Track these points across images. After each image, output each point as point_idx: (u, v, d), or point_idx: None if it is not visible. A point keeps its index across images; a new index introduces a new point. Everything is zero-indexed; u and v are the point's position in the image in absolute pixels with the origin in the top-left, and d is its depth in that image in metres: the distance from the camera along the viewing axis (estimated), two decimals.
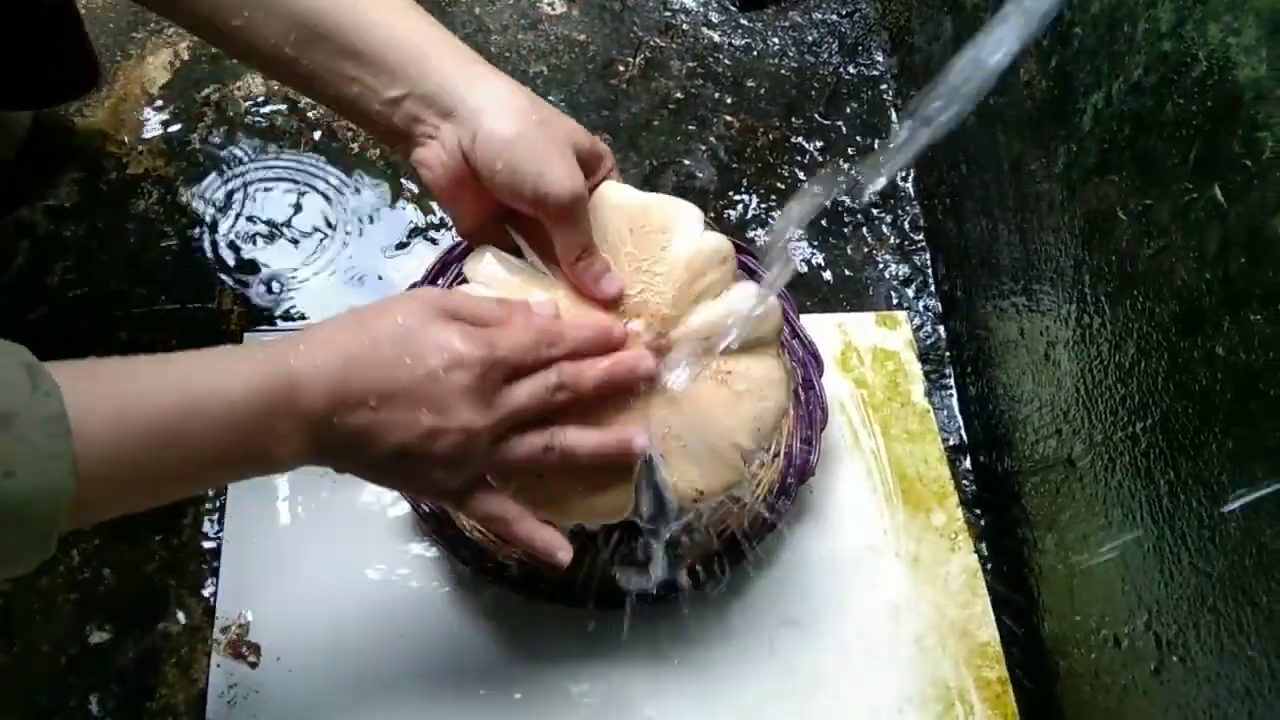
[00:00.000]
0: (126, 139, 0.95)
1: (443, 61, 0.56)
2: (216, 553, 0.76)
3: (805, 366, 0.78)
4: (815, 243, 0.95)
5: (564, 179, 0.55)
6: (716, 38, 1.07)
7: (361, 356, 0.50)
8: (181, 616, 0.75)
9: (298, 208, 0.93)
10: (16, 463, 0.38)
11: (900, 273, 0.95)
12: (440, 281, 0.79)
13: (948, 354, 0.91)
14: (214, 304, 0.87)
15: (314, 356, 0.50)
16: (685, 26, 1.07)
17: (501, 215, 0.61)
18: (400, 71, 0.56)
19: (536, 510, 0.58)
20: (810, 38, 1.08)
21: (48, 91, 0.89)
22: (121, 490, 0.45)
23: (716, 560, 0.73)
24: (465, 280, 0.63)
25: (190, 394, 0.46)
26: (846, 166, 0.65)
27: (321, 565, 0.75)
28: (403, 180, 0.94)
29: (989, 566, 0.81)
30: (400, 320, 0.52)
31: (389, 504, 0.78)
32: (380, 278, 0.89)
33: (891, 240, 0.96)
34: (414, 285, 0.77)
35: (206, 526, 0.78)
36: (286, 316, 0.87)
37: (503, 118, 0.55)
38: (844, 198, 0.92)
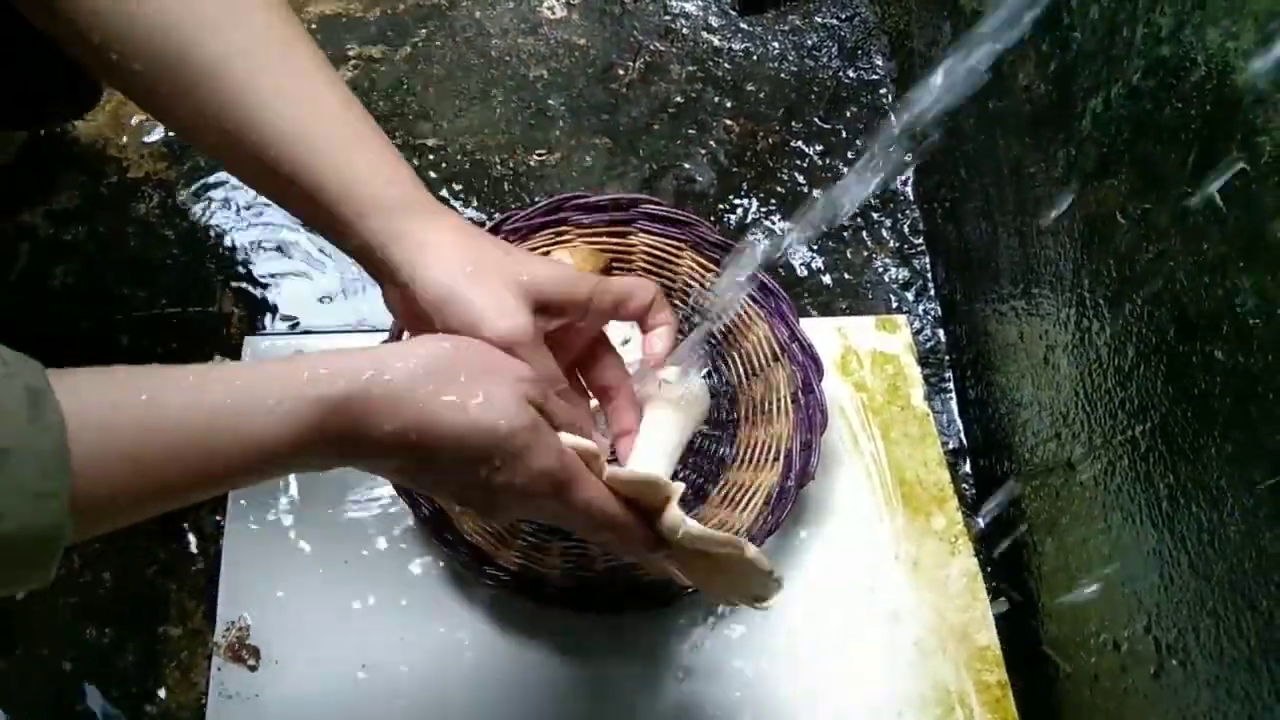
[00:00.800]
0: (127, 143, 0.95)
1: (387, 220, 0.55)
2: (216, 556, 0.76)
3: (805, 370, 0.78)
4: (815, 247, 0.95)
5: (497, 328, 0.53)
6: (716, 42, 1.07)
7: (436, 440, 0.48)
8: (181, 620, 0.75)
9: None
10: (7, 504, 0.36)
11: (900, 276, 0.95)
12: None
13: (947, 358, 0.91)
14: (215, 307, 0.87)
15: (381, 417, 0.46)
16: (685, 31, 1.07)
17: None
18: (351, 228, 0.55)
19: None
20: (810, 42, 1.08)
21: (48, 111, 0.89)
22: (126, 514, 0.43)
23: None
24: None
25: (223, 438, 0.43)
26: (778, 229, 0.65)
27: (321, 569, 0.76)
28: None
29: (988, 570, 0.81)
30: (499, 416, 0.49)
31: (388, 507, 0.78)
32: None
33: (891, 244, 0.96)
34: None
35: (206, 530, 0.78)
36: (287, 319, 0.87)
37: (431, 279, 0.54)
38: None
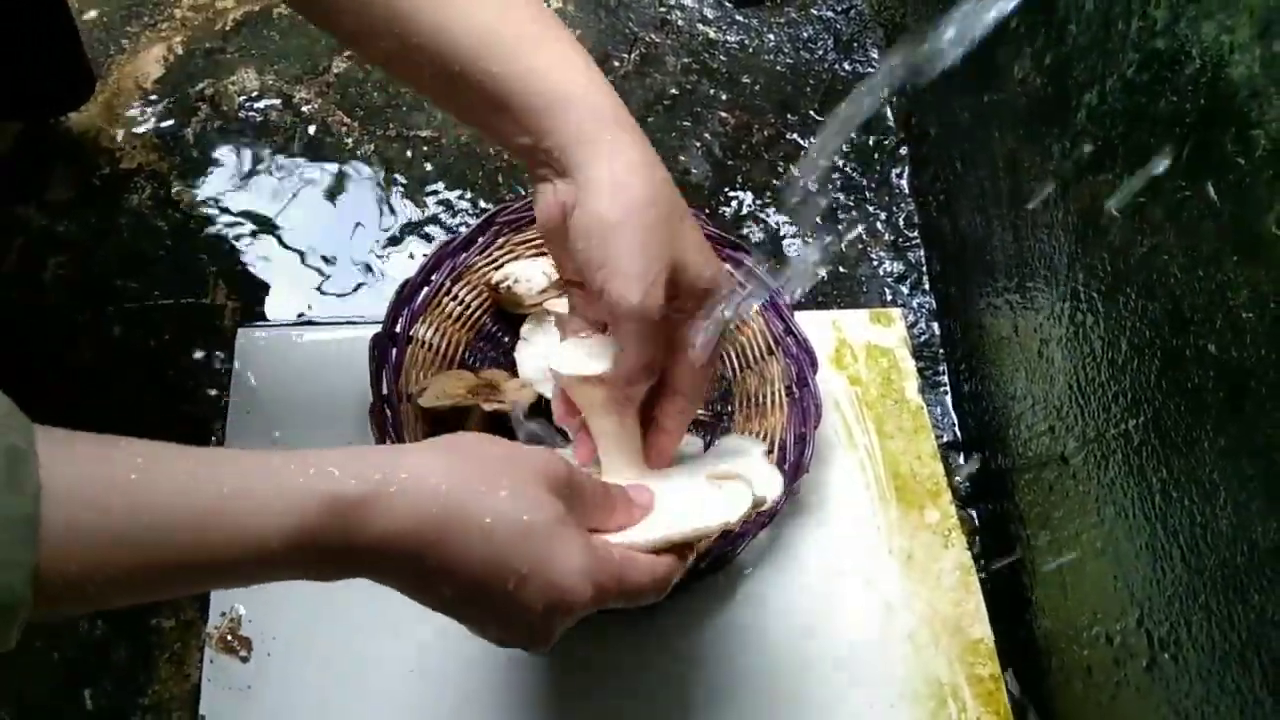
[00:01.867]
0: (120, 134, 0.95)
1: (578, 123, 0.52)
2: None
3: (799, 363, 0.78)
4: (810, 239, 0.95)
5: (630, 291, 0.50)
6: (712, 34, 1.06)
7: (452, 547, 0.44)
8: (174, 612, 0.75)
9: (291, 203, 0.92)
10: None
11: (894, 270, 0.95)
12: (435, 277, 0.79)
13: (941, 351, 0.91)
14: (208, 299, 0.87)
15: (395, 514, 0.42)
16: (680, 22, 1.07)
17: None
18: (531, 124, 0.52)
19: None
20: (805, 34, 1.07)
21: (43, 102, 0.89)
22: (98, 596, 0.39)
23: (708, 557, 0.73)
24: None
25: (214, 531, 0.40)
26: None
27: None
28: (396, 175, 0.94)
29: (982, 563, 0.81)
30: (519, 511, 0.45)
31: None
32: (374, 270, 0.89)
33: (886, 237, 0.96)
34: (406, 283, 0.77)
35: None
36: (280, 312, 0.87)
37: (607, 202, 0.51)
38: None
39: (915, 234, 0.97)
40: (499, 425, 0.76)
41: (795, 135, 1.01)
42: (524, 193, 0.93)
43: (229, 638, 0.73)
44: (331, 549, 0.41)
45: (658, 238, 0.51)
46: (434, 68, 0.53)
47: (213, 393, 0.82)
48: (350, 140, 0.96)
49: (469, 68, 0.52)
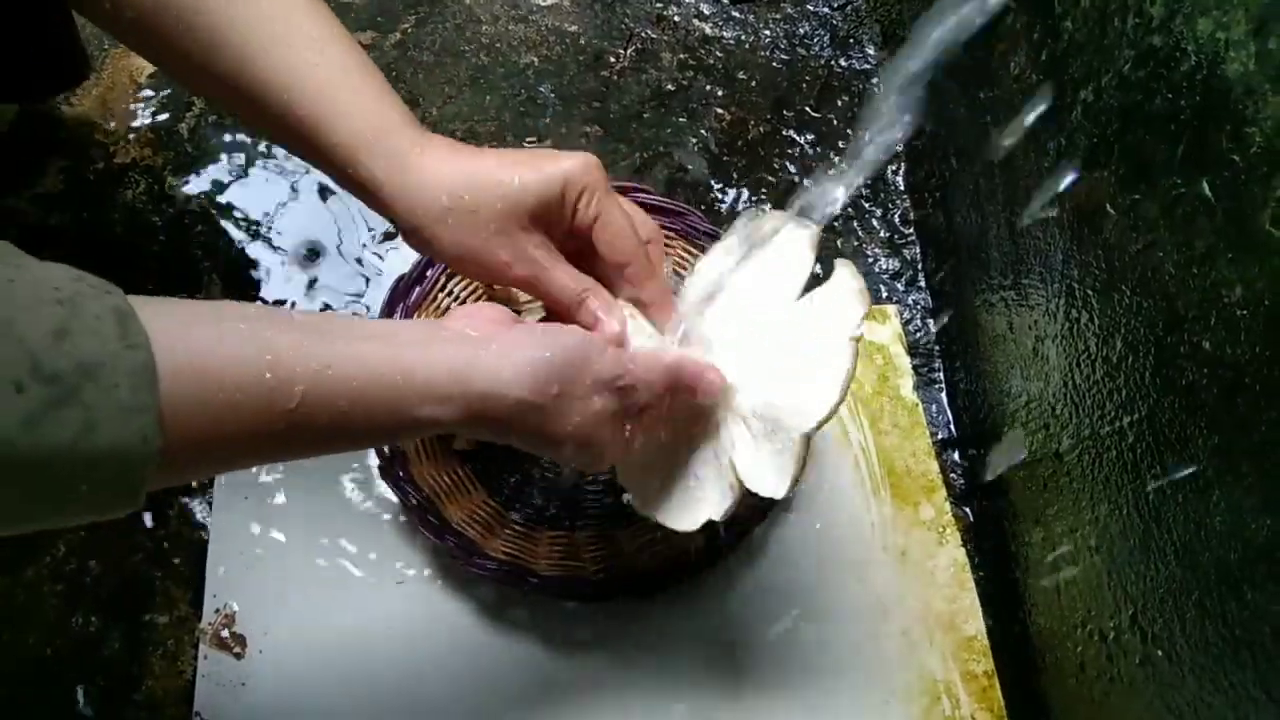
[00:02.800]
0: (114, 128, 0.95)
1: (375, 168, 0.55)
2: (203, 544, 0.76)
3: None
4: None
5: (513, 267, 0.56)
6: (708, 30, 1.06)
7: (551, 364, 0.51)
8: (168, 608, 0.74)
9: (286, 198, 0.92)
10: (100, 416, 0.37)
11: (890, 266, 0.95)
12: (429, 273, 0.78)
13: (937, 348, 0.91)
14: (201, 294, 0.87)
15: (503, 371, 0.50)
16: (677, 18, 1.07)
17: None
18: (350, 177, 0.56)
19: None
20: (802, 30, 1.07)
21: (35, 85, 0.88)
22: (214, 451, 0.44)
23: (701, 554, 0.73)
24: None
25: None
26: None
27: (308, 557, 0.75)
28: None
29: (976, 560, 0.81)
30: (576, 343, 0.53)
31: (377, 495, 0.78)
32: (369, 266, 0.89)
33: (881, 234, 0.96)
34: (401, 279, 0.77)
35: (193, 517, 0.77)
36: (275, 306, 0.87)
37: (445, 230, 0.55)
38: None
39: (911, 231, 0.97)
40: None
41: (791, 132, 1.00)
42: None
43: (223, 634, 0.72)
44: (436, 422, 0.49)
45: (490, 219, 0.55)
46: (250, 106, 0.55)
47: None
48: None
49: (278, 109, 0.54)
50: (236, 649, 0.72)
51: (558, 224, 0.57)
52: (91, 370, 0.37)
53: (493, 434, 0.52)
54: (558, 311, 0.60)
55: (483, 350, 0.50)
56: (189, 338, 0.42)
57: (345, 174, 0.55)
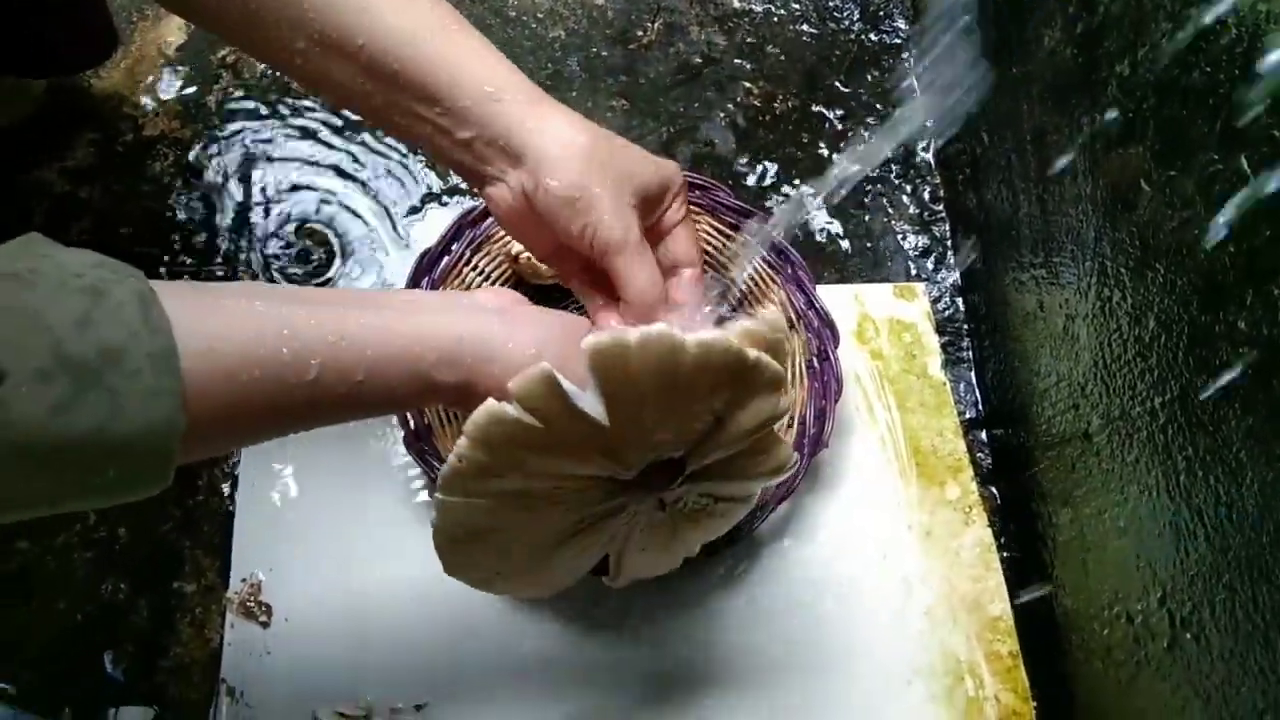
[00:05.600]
0: (142, 101, 0.95)
1: (512, 106, 0.55)
2: (230, 513, 0.77)
3: (820, 338, 0.77)
4: (834, 213, 0.94)
5: (614, 229, 0.56)
6: (736, 3, 1.05)
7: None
8: (196, 576, 0.75)
9: (312, 171, 0.92)
10: (125, 400, 0.38)
11: (919, 244, 0.94)
12: (455, 247, 0.78)
13: (965, 326, 0.90)
14: (229, 267, 0.87)
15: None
16: None
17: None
18: (470, 115, 0.55)
19: None
20: (832, 3, 1.06)
21: (66, 59, 0.89)
22: (238, 426, 0.45)
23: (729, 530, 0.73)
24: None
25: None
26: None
27: (333, 526, 0.76)
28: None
29: (1002, 540, 0.80)
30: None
31: (402, 465, 0.78)
32: (394, 238, 0.89)
33: (911, 211, 0.95)
34: (427, 251, 0.77)
35: (221, 487, 0.78)
36: (301, 280, 0.87)
37: (562, 168, 0.55)
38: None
39: (940, 208, 0.96)
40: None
41: (820, 107, 0.99)
42: None
43: (250, 603, 0.73)
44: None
45: (612, 175, 0.56)
46: (365, 73, 0.55)
47: None
48: None
49: (391, 67, 0.54)
50: (263, 618, 0.73)
51: (645, 216, 0.59)
52: (115, 355, 0.38)
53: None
54: (591, 294, 0.61)
55: (496, 320, 0.51)
56: (208, 318, 0.43)
57: (461, 115, 0.55)
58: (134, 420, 0.38)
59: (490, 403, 0.46)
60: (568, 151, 0.55)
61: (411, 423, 0.72)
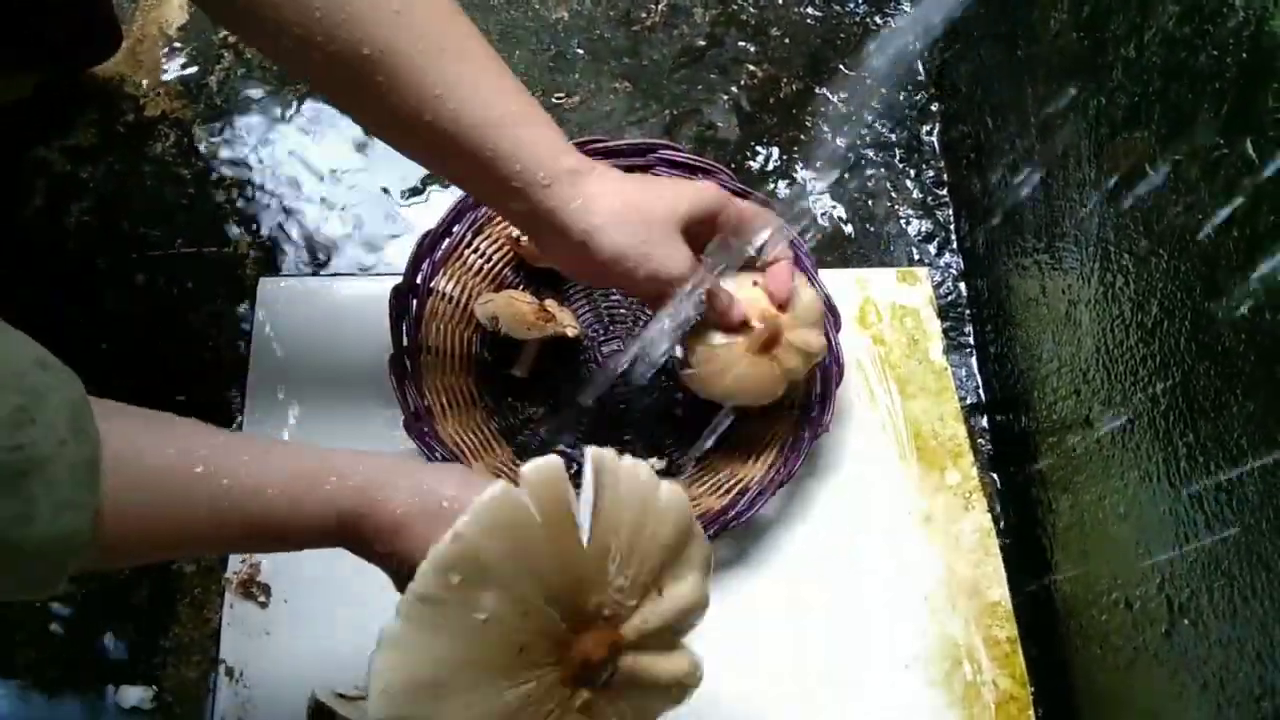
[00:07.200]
0: (144, 81, 0.95)
1: (558, 189, 0.60)
2: None
3: (822, 322, 0.77)
4: (837, 197, 0.94)
5: (673, 267, 0.63)
6: None
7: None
8: (195, 557, 0.75)
9: (313, 153, 0.92)
10: (38, 509, 0.37)
11: (922, 228, 0.93)
12: (456, 229, 0.78)
13: (968, 312, 0.90)
14: (230, 248, 0.87)
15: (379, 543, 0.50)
16: None
17: None
18: (522, 195, 0.59)
19: None
20: None
21: (69, 56, 0.89)
22: (143, 549, 0.46)
23: (728, 513, 0.73)
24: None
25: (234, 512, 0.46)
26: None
27: None
28: None
29: (1002, 526, 0.80)
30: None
31: (403, 449, 0.78)
32: (395, 220, 0.89)
33: (914, 195, 0.95)
34: (428, 233, 0.77)
35: None
36: (302, 262, 0.87)
37: (610, 231, 0.61)
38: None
39: (944, 192, 0.95)
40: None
41: (824, 90, 0.99)
42: None
43: (248, 584, 0.73)
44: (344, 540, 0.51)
45: (654, 221, 0.62)
46: (436, 147, 0.58)
47: (233, 342, 0.83)
48: None
49: (470, 146, 0.58)
50: (261, 598, 0.73)
51: (700, 235, 0.65)
52: (39, 464, 0.37)
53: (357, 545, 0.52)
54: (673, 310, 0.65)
55: (397, 459, 0.51)
56: (133, 436, 0.43)
57: (515, 194, 0.59)
58: (42, 529, 0.38)
59: (502, 483, 0.43)
60: (614, 215, 0.60)
61: (411, 404, 0.72)
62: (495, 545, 0.43)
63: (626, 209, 0.61)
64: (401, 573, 0.47)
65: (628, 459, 0.48)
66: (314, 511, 0.48)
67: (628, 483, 0.47)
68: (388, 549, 0.48)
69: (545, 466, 0.44)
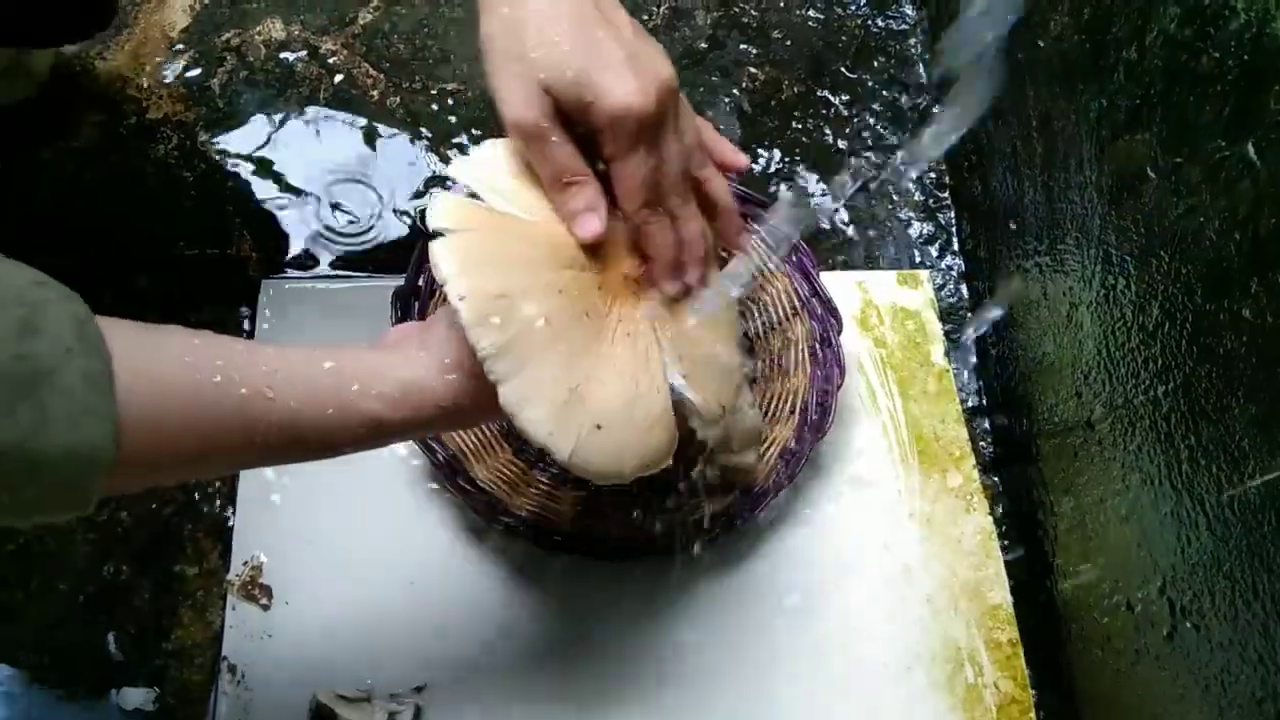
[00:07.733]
0: (146, 83, 0.95)
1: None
2: (232, 497, 0.77)
3: (823, 324, 0.77)
4: (838, 199, 0.94)
5: (517, 106, 0.54)
6: None
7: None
8: (197, 559, 0.75)
9: (316, 153, 0.92)
10: (54, 416, 0.37)
11: (923, 231, 0.93)
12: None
13: (969, 314, 0.90)
14: (232, 249, 0.87)
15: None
16: None
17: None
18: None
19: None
20: None
21: (62, 29, 0.87)
22: (169, 456, 0.44)
23: (730, 516, 0.73)
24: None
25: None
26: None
27: (334, 511, 0.76)
28: (421, 128, 0.94)
29: (1003, 528, 0.80)
30: None
31: (404, 453, 0.78)
32: (399, 222, 0.89)
33: (916, 198, 0.95)
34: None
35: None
36: (303, 264, 0.87)
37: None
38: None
39: (946, 195, 0.95)
40: None
41: (826, 93, 0.99)
42: None
43: (250, 586, 0.73)
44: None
45: (515, 66, 0.55)
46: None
47: None
48: (376, 92, 0.95)
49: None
50: (264, 601, 0.73)
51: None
52: (47, 374, 0.37)
53: (425, 422, 0.53)
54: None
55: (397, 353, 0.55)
56: (144, 347, 0.43)
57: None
58: (61, 438, 0.37)
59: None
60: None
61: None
62: (490, 278, 0.52)
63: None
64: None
65: None
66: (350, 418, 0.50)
67: None
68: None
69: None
